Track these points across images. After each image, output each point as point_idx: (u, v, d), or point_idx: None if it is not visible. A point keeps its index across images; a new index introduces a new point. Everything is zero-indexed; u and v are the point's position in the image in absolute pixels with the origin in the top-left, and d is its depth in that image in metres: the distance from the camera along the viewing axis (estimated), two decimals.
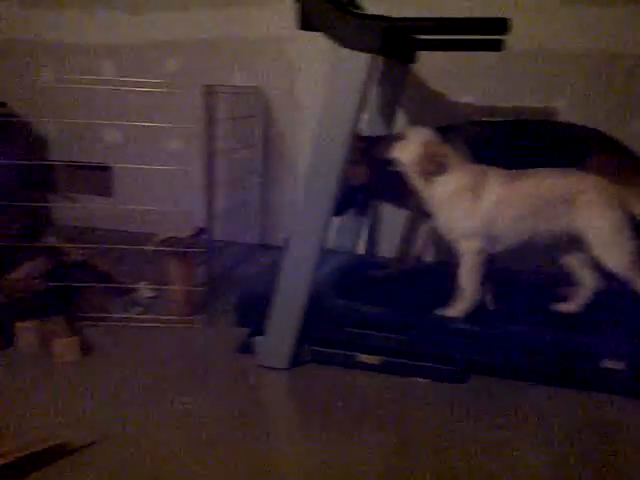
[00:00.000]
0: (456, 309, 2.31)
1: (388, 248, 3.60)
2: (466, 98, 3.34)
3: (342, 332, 2.35)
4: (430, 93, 3.36)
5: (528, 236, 2.28)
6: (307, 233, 2.21)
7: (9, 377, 2.21)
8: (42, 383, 2.18)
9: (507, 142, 2.68)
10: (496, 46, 2.69)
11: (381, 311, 2.37)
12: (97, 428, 1.90)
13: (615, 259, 2.21)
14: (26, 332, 2.42)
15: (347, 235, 3.06)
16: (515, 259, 2.46)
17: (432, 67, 3.19)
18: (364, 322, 2.35)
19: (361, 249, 3.29)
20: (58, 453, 1.73)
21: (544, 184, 2.25)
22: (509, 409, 2.13)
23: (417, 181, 2.31)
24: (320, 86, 3.56)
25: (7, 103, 3.79)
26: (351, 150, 2.40)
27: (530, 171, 2.29)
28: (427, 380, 2.28)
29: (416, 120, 3.29)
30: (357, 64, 2.01)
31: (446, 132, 2.63)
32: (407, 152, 2.29)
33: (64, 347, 2.33)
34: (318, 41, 3.22)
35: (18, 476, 1.64)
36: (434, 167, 2.25)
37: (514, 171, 2.30)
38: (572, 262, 2.40)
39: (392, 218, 3.59)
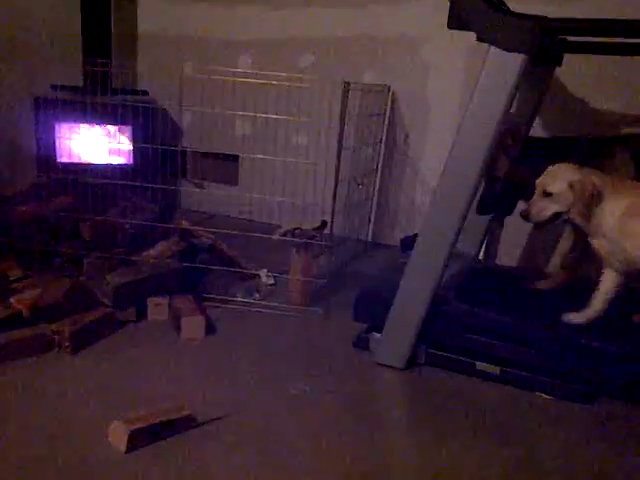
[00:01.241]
0: (582, 316, 2.20)
1: (507, 256, 3.50)
2: (610, 106, 3.16)
3: (462, 338, 2.30)
4: (572, 98, 3.20)
5: None
6: (438, 234, 2.18)
7: (141, 347, 2.36)
8: (170, 357, 2.31)
9: None
10: None
11: (506, 320, 2.29)
12: (220, 405, 1.99)
13: None
14: (157, 307, 2.57)
15: (471, 240, 2.99)
16: None
17: (575, 71, 3.04)
18: (486, 330, 2.28)
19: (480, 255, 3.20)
20: (187, 424, 1.83)
21: None
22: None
23: (579, 218, 2.19)
24: (451, 87, 3.51)
25: (149, 92, 4.05)
26: (508, 148, 2.39)
27: None
28: (550, 397, 2.18)
29: (555, 126, 3.17)
30: (509, 64, 1.94)
31: (611, 144, 2.50)
32: (561, 199, 2.17)
33: (191, 324, 2.45)
34: (451, 42, 3.22)
35: (151, 440, 1.76)
36: (591, 202, 2.12)
37: None
38: None
39: (515, 226, 3.48)
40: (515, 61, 1.95)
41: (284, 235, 2.78)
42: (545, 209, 2.20)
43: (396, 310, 2.29)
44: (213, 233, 3.01)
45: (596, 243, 2.19)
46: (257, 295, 2.86)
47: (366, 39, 3.74)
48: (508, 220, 3.47)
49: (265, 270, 3.03)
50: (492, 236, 3.36)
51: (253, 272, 3.02)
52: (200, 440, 1.81)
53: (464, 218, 2.16)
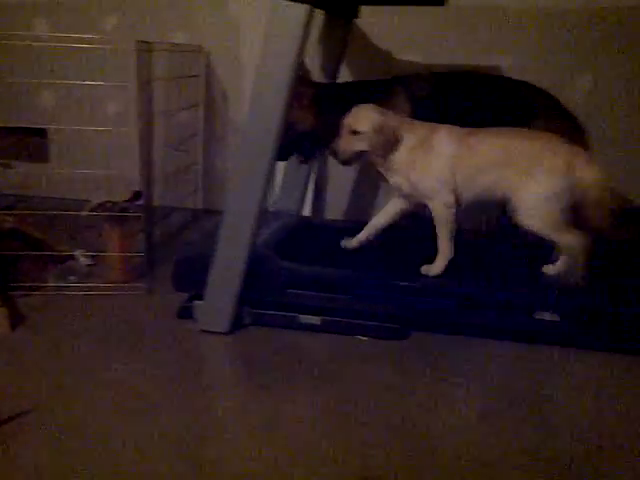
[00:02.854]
0: (438, 266, 2.33)
1: (334, 210, 3.58)
2: (410, 56, 3.28)
3: (283, 294, 2.32)
4: (374, 50, 3.28)
5: (481, 194, 2.29)
6: (246, 191, 2.14)
7: None
8: None
9: (452, 95, 2.64)
10: (439, 0, 2.64)
11: (322, 272, 2.35)
12: (29, 398, 1.84)
13: (540, 223, 2.20)
14: None
15: (291, 197, 3.01)
16: None
17: (376, 23, 3.12)
18: (305, 283, 2.32)
19: (306, 211, 3.24)
20: None
21: (497, 143, 2.24)
22: (447, 363, 2.16)
23: (379, 158, 2.33)
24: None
25: None
26: (299, 95, 2.42)
27: (484, 129, 2.29)
28: (368, 338, 2.28)
29: (359, 76, 3.24)
30: (294, 16, 1.94)
31: (391, 85, 2.60)
32: (367, 138, 2.27)
33: None
34: None
35: None
36: (393, 141, 2.27)
37: (466, 128, 2.29)
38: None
39: (337, 180, 3.56)
40: (299, 12, 1.94)
41: (94, 210, 2.60)
42: (352, 146, 2.30)
43: (214, 274, 2.25)
44: (17, 215, 2.75)
45: (392, 180, 2.36)
46: (73, 277, 2.67)
47: None
48: (335, 176, 3.55)
49: (80, 250, 2.83)
50: (317, 192, 3.41)
51: (67, 253, 2.81)
52: (7, 439, 1.65)
53: (269, 171, 2.13)
